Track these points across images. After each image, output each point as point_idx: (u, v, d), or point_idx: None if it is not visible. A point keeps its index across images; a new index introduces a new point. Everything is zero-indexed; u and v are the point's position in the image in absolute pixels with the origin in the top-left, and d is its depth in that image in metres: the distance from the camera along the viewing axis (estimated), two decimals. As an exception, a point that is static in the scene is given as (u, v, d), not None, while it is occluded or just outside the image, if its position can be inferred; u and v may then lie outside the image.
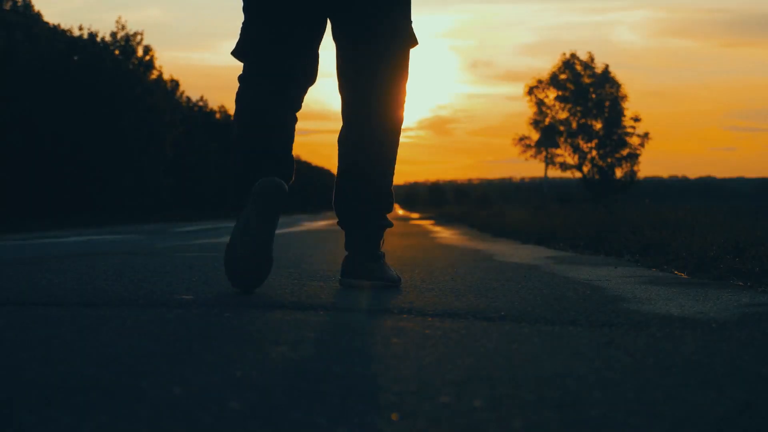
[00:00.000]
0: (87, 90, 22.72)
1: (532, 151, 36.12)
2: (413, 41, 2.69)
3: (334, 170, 2.88)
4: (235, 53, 2.67)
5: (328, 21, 2.70)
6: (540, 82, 37.21)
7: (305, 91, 2.73)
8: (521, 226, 9.40)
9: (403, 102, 2.73)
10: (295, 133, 2.74)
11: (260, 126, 2.60)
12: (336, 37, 2.72)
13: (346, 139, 2.75)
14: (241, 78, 2.68)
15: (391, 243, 6.68)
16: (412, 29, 2.71)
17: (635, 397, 1.25)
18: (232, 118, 2.76)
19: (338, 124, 2.84)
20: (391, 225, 2.77)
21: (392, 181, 2.77)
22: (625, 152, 36.53)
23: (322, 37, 2.70)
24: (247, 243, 2.38)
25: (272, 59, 2.61)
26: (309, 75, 2.70)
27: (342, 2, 2.62)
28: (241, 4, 2.68)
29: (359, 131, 2.71)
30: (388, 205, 2.75)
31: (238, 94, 2.67)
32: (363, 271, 2.70)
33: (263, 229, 2.38)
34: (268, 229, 2.39)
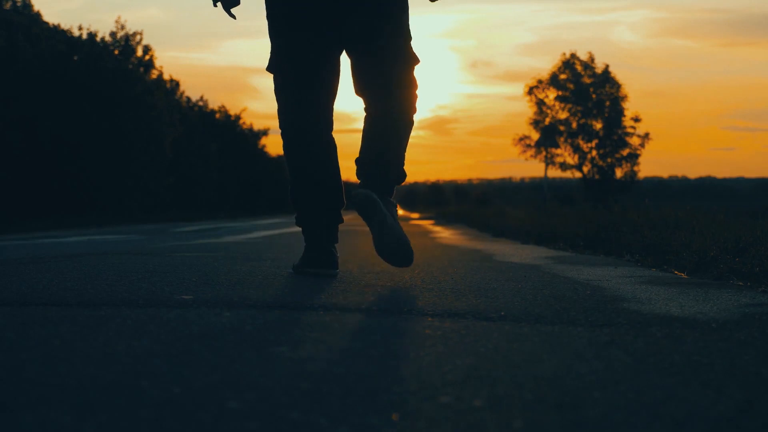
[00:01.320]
0: (87, 90, 22.73)
1: (532, 151, 36.13)
2: (414, 59, 3.00)
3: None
4: (268, 68, 3.04)
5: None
6: (540, 82, 37.20)
7: (333, 96, 3.07)
8: (521, 226, 9.40)
9: (414, 101, 3.03)
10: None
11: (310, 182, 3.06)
12: (348, 52, 3.02)
13: (370, 126, 3.02)
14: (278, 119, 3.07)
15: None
16: (411, 49, 3.00)
17: (635, 397, 1.25)
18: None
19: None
20: (404, 177, 3.07)
21: (404, 156, 3.09)
22: (625, 152, 36.53)
23: (338, 53, 3.03)
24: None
25: (297, 70, 2.98)
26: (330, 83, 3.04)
27: (349, 24, 2.92)
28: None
29: (380, 123, 3.01)
30: (402, 169, 3.07)
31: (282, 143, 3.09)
32: (384, 200, 2.97)
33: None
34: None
